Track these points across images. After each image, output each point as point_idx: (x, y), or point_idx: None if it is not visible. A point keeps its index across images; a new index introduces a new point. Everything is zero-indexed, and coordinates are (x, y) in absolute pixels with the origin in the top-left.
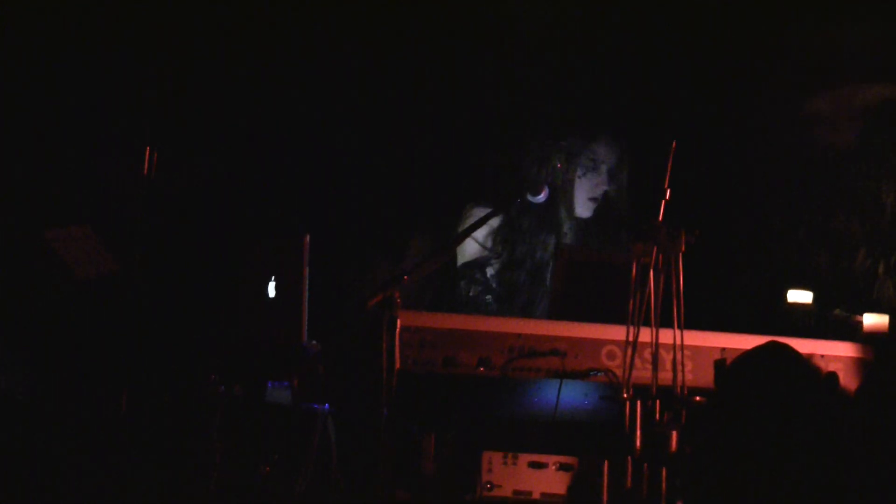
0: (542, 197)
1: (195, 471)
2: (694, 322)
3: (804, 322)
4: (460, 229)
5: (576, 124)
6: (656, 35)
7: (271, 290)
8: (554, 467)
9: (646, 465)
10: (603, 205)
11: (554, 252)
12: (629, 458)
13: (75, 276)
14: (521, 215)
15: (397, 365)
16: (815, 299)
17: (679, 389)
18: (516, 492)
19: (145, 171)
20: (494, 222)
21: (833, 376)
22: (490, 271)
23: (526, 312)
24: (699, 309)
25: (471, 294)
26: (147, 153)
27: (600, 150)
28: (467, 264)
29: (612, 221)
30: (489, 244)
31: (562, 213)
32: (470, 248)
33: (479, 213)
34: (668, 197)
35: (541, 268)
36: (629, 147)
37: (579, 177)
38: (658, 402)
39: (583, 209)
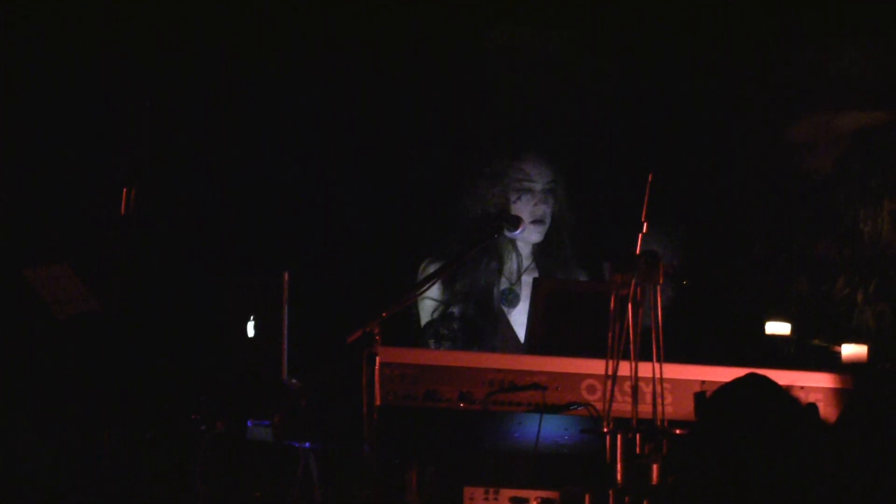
0: (520, 231)
1: None
2: (673, 354)
3: (783, 353)
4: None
5: (498, 144)
6: (635, 54)
7: (251, 329)
8: (535, 502)
9: (627, 497)
10: (552, 227)
11: (533, 283)
12: (611, 490)
13: (55, 314)
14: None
15: (377, 401)
16: (793, 330)
17: (659, 422)
18: None
19: (123, 209)
20: (432, 268)
21: (813, 407)
22: (452, 326)
23: (479, 343)
24: (678, 340)
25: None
26: (125, 191)
27: (530, 169)
28: (430, 324)
29: (565, 245)
30: (444, 296)
31: (502, 241)
32: (428, 308)
33: (433, 268)
34: (644, 230)
35: (487, 296)
36: (563, 166)
37: (514, 201)
38: (639, 434)
39: (530, 234)
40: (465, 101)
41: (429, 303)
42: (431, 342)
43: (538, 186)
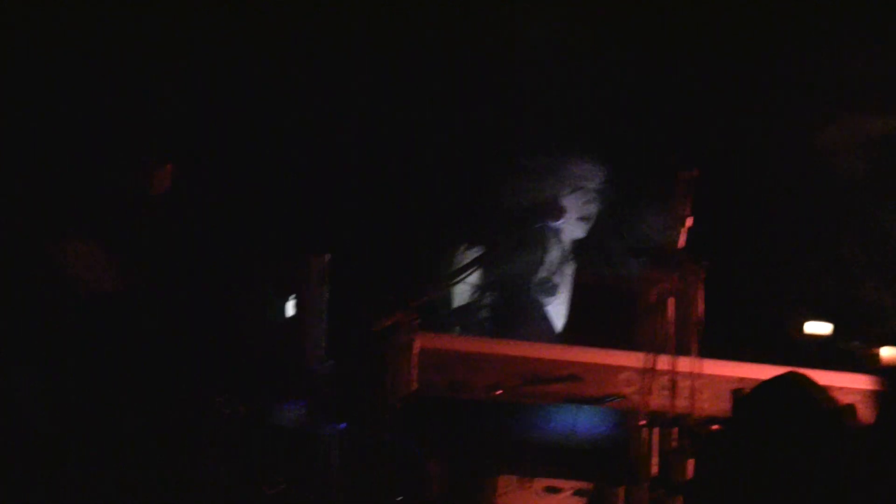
0: (561, 222)
1: (197, 490)
2: (712, 350)
3: (821, 353)
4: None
5: (559, 142)
6: (668, 58)
7: (290, 309)
8: (569, 492)
9: (661, 491)
10: (597, 224)
11: (574, 275)
12: (645, 484)
13: (80, 291)
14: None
15: (414, 387)
16: (832, 331)
17: (696, 417)
18: None
19: (159, 186)
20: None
21: (850, 408)
22: (483, 313)
23: (511, 332)
24: (718, 337)
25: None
26: (161, 167)
27: (586, 167)
28: (459, 309)
29: (610, 243)
30: (480, 282)
31: (547, 231)
32: (461, 292)
33: (473, 253)
34: (689, 225)
35: (523, 286)
36: (616, 167)
37: (566, 195)
38: (675, 429)
39: (575, 229)
40: (518, 92)
41: (463, 288)
42: (458, 328)
43: (591, 185)
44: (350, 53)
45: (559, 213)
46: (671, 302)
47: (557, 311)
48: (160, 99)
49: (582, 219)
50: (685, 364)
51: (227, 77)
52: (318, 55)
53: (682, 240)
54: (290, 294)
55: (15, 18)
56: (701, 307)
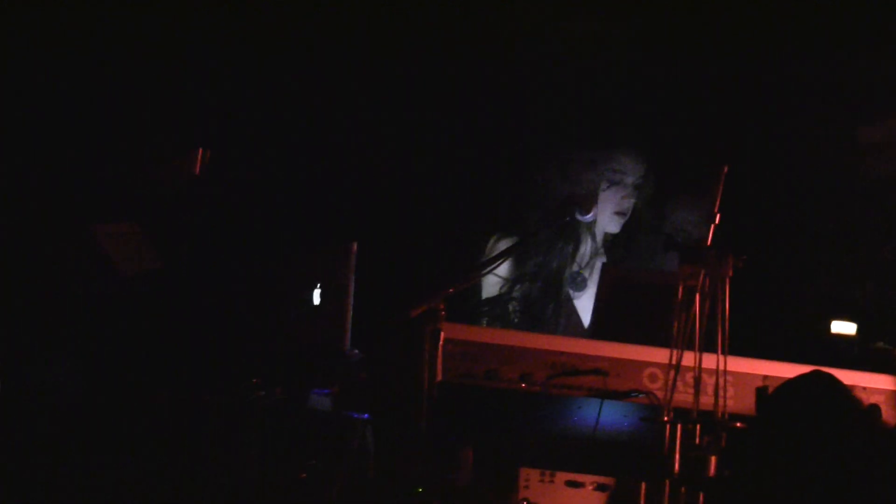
0: (591, 216)
1: (232, 472)
2: (737, 348)
3: (847, 353)
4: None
5: (599, 135)
6: (704, 56)
7: (316, 298)
8: (591, 487)
9: (684, 488)
10: (631, 220)
11: (601, 269)
12: (667, 480)
13: (119, 272)
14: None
15: (438, 377)
16: (858, 331)
17: (720, 414)
18: None
19: (196, 171)
20: (502, 244)
21: (875, 408)
22: (512, 306)
23: (541, 325)
24: (743, 334)
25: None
26: (199, 153)
27: (625, 162)
28: (488, 300)
29: (643, 238)
30: (512, 274)
31: (581, 225)
32: (491, 283)
33: (504, 244)
34: (717, 221)
35: (556, 279)
36: (655, 161)
37: (604, 189)
38: (698, 425)
39: (609, 223)
40: (555, 85)
41: (493, 279)
42: (485, 320)
43: (629, 180)
44: (386, 46)
45: (589, 206)
46: (697, 298)
47: (586, 305)
48: (193, 88)
49: (617, 213)
50: (710, 361)
51: (257, 68)
52: (355, 46)
53: (709, 236)
54: (317, 283)
55: (51, 19)
56: (727, 304)
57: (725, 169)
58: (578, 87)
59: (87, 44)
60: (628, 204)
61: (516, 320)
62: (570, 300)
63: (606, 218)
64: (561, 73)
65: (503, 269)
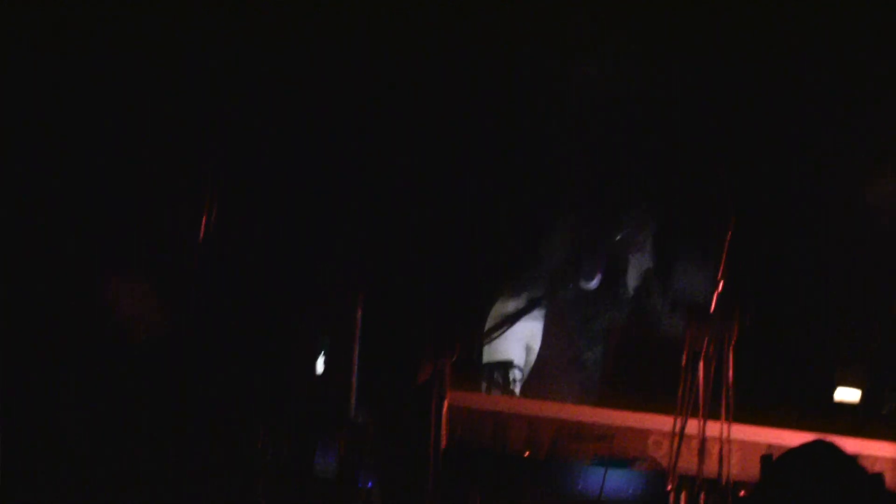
0: (595, 282)
1: None
2: (742, 412)
3: (851, 420)
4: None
5: (608, 196)
6: (715, 113)
7: (321, 363)
8: None
9: None
10: (644, 283)
11: (612, 332)
12: None
13: (128, 330)
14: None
15: (443, 443)
16: (863, 398)
17: (724, 482)
18: None
19: (203, 229)
20: (540, 315)
21: (879, 477)
22: (515, 374)
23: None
24: (747, 401)
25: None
26: (205, 210)
27: (651, 226)
28: (490, 365)
29: (653, 301)
30: (533, 349)
31: (619, 289)
32: (500, 348)
33: (512, 304)
34: (720, 289)
35: (559, 344)
36: (670, 225)
37: (632, 254)
38: (703, 494)
39: (630, 287)
40: (568, 148)
41: (503, 346)
42: (484, 384)
43: (648, 244)
44: (389, 98)
45: (593, 274)
46: (701, 365)
47: (595, 368)
48: (207, 143)
49: (637, 277)
50: (714, 428)
51: (268, 121)
52: (363, 99)
53: (713, 302)
54: (323, 347)
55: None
56: (731, 370)
57: (729, 235)
58: (588, 150)
59: (78, 95)
60: (646, 267)
61: (516, 392)
62: (579, 364)
63: (630, 282)
64: (569, 135)
65: (511, 332)
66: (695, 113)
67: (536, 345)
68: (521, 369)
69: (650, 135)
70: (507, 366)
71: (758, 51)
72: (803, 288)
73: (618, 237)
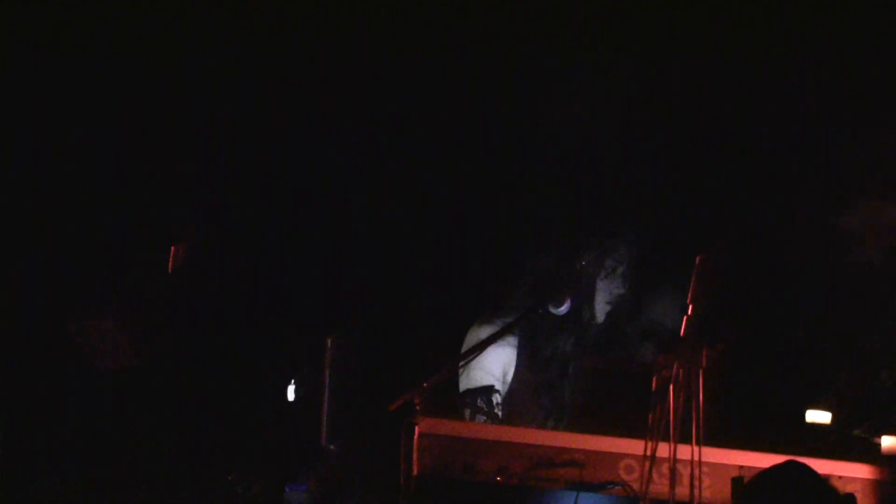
0: (564, 308)
1: None
2: (713, 437)
3: (823, 442)
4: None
5: (603, 226)
6: (686, 142)
7: (290, 394)
8: None
9: None
10: (614, 309)
11: (574, 361)
12: None
13: (97, 367)
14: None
15: (414, 471)
16: (834, 419)
17: None
18: None
19: (170, 266)
20: (514, 341)
21: (851, 498)
22: (496, 398)
23: (513, 419)
24: (719, 424)
25: (475, 421)
26: (173, 249)
27: (621, 251)
28: (471, 391)
29: (623, 327)
30: (508, 373)
31: (585, 315)
32: (474, 376)
33: (486, 330)
34: (690, 312)
35: (568, 362)
36: (645, 250)
37: (601, 279)
38: None
39: (599, 313)
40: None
41: (479, 373)
42: (467, 411)
43: (621, 269)
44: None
45: (561, 299)
46: (671, 389)
47: (564, 394)
48: (175, 179)
49: (608, 303)
50: (685, 451)
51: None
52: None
53: (682, 327)
54: (291, 378)
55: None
56: (701, 395)
57: (698, 260)
58: (564, 175)
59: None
60: (618, 293)
61: (500, 415)
62: (551, 389)
63: (598, 308)
64: (552, 161)
65: (485, 358)
66: (666, 137)
67: (511, 370)
68: (501, 393)
69: (620, 160)
70: (488, 390)
71: (734, 68)
72: (775, 312)
73: (583, 262)
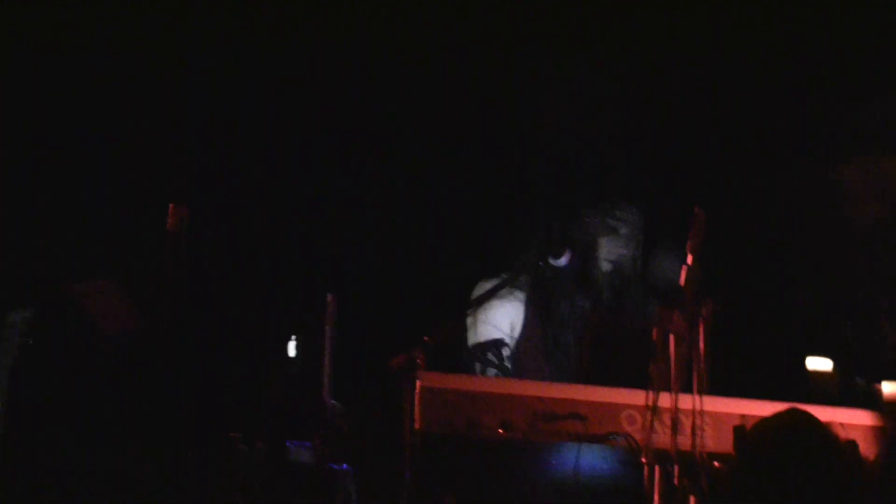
0: (563, 260)
1: None
2: (716, 387)
3: (825, 390)
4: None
5: (604, 184)
6: (688, 102)
7: (291, 350)
8: None
9: None
10: (616, 269)
11: (585, 318)
12: None
13: (101, 330)
14: (557, 276)
15: (417, 425)
16: (835, 367)
17: (698, 455)
18: None
19: (171, 225)
20: (521, 296)
21: (852, 444)
22: (506, 351)
23: (519, 373)
24: (721, 375)
25: (486, 375)
26: (173, 207)
27: (624, 212)
28: (480, 345)
29: (625, 286)
30: (515, 328)
31: (593, 272)
32: (483, 330)
33: (491, 285)
34: (690, 262)
35: (537, 324)
36: (649, 211)
37: (602, 236)
38: (677, 467)
39: (602, 270)
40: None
41: (486, 328)
42: (477, 365)
43: (624, 230)
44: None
45: (561, 251)
46: (671, 340)
47: (572, 349)
48: (176, 138)
49: (608, 261)
50: (687, 402)
51: (245, 121)
52: (338, 99)
53: (682, 278)
54: (292, 335)
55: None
56: (703, 346)
57: (699, 212)
58: (580, 138)
59: (73, 97)
60: (618, 253)
61: (510, 366)
62: (555, 345)
63: (602, 265)
64: (563, 121)
65: (491, 314)
66: (668, 106)
67: (519, 325)
68: (510, 346)
69: (622, 125)
70: (498, 344)
71: (728, 53)
72: (777, 260)
73: (584, 218)
